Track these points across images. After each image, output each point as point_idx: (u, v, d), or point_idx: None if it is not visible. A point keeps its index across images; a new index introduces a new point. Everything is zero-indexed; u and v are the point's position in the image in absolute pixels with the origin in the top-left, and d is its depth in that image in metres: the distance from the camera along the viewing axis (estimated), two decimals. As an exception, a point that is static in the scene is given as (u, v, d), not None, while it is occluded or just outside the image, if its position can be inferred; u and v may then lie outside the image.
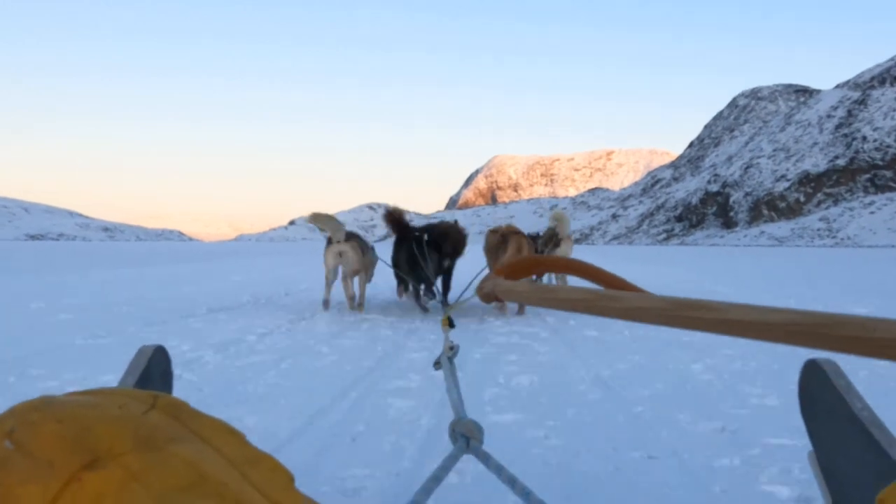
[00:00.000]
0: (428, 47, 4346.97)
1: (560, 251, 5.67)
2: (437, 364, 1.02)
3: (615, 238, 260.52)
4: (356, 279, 4.99)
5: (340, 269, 4.87)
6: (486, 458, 0.72)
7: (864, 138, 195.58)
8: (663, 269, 12.86)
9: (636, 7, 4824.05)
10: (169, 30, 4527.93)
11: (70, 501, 0.36)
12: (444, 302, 4.96)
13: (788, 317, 0.40)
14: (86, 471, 0.37)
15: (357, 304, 4.94)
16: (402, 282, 5.36)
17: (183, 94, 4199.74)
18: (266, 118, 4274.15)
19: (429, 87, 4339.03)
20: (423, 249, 4.75)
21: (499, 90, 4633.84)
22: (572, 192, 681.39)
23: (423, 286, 5.01)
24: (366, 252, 4.96)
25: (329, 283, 4.88)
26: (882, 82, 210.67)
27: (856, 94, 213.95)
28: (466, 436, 0.76)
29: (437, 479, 0.69)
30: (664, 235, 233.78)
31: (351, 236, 4.84)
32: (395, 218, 5.09)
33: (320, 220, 4.70)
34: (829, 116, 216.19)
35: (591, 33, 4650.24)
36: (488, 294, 0.78)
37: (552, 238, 5.66)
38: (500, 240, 4.93)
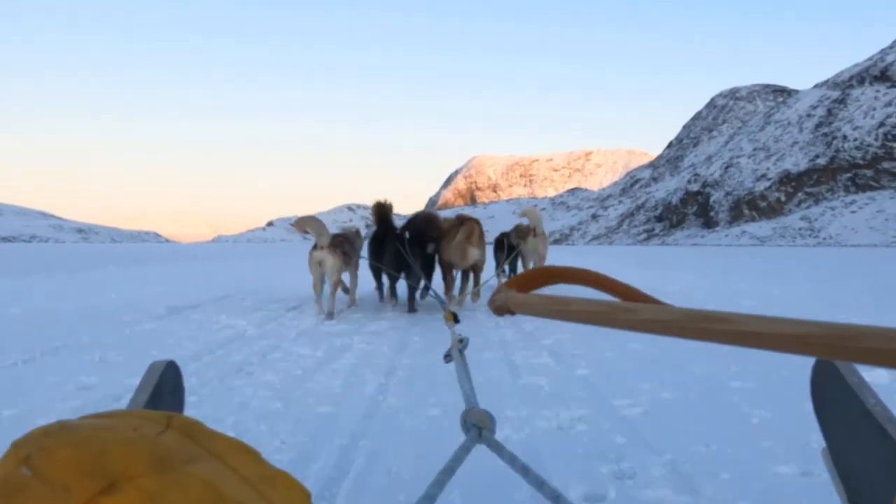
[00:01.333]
0: (407, 47, 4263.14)
1: (531, 244, 5.94)
2: (447, 357, 1.02)
3: (595, 238, 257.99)
4: (346, 278, 5.24)
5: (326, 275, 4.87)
6: (498, 448, 0.72)
7: (845, 137, 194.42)
8: (673, 275, 10.73)
9: (614, 8, 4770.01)
10: (144, 26, 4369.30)
11: None
12: (445, 301, 4.91)
13: (809, 329, 0.39)
14: (103, 495, 0.37)
15: (348, 299, 5.41)
16: (380, 282, 5.67)
17: (160, 92, 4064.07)
18: (245, 118, 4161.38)
19: (408, 88, 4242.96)
20: (408, 247, 4.84)
21: (478, 90, 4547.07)
22: (551, 193, 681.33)
23: (418, 286, 5.03)
24: (353, 254, 5.15)
25: (317, 289, 4.86)
26: (861, 81, 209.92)
27: (835, 94, 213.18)
28: (478, 426, 0.76)
29: (449, 470, 0.68)
30: (644, 235, 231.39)
31: (340, 239, 4.88)
32: (382, 212, 5.31)
33: (305, 224, 4.65)
34: (808, 116, 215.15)
35: (570, 33, 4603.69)
36: (501, 307, 0.77)
37: (528, 232, 5.95)
38: (456, 224, 5.07)
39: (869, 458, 0.77)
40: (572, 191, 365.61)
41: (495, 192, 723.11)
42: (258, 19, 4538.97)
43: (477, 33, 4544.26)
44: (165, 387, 0.96)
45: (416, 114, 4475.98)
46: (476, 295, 5.26)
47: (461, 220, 5.07)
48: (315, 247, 4.66)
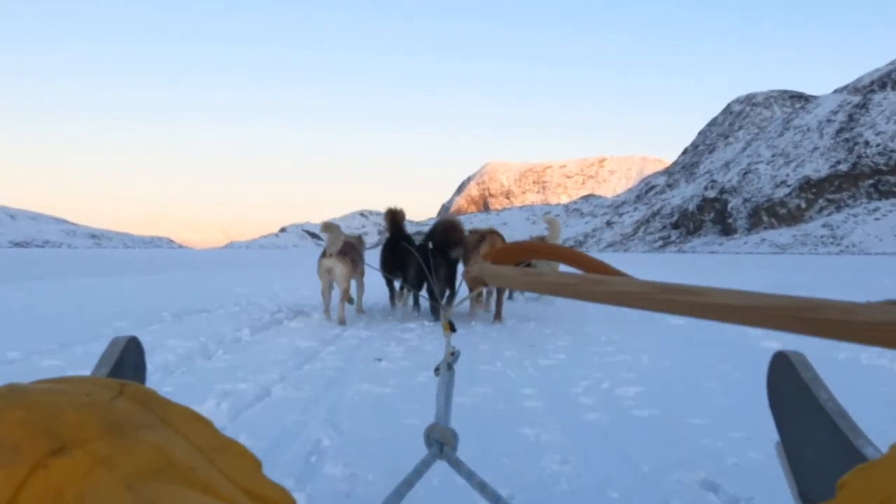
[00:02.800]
0: (420, 54, 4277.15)
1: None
2: (437, 370, 1.01)
3: (610, 245, 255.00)
4: (353, 284, 5.22)
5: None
6: (457, 465, 0.74)
7: (867, 143, 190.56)
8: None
9: (628, 14, 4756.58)
10: (159, 32, 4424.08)
11: (36, 487, 0.36)
12: (442, 304, 5.03)
13: (770, 301, 0.40)
14: (52, 457, 0.37)
15: (355, 306, 5.40)
16: (392, 287, 5.58)
17: (176, 98, 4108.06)
18: (259, 124, 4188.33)
19: (422, 94, 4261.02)
20: (430, 258, 4.87)
21: (491, 97, 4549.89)
22: (564, 200, 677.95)
23: (441, 297, 5.07)
24: (359, 261, 5.21)
25: (326, 295, 4.94)
26: (883, 86, 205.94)
27: (856, 99, 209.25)
28: (441, 441, 0.77)
29: (409, 483, 0.69)
30: (661, 243, 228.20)
31: (346, 247, 4.90)
32: (395, 220, 5.29)
33: (327, 228, 4.79)
34: (829, 121, 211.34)
35: (583, 40, 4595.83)
36: (475, 278, 0.78)
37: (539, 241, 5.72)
38: (478, 238, 5.18)
39: (820, 452, 0.79)
40: (586, 197, 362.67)
41: (508, 198, 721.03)
42: (272, 24, 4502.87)
43: (491, 39, 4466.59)
44: (127, 362, 0.94)
45: (429, 120, 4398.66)
46: (498, 316, 4.94)
47: (482, 235, 5.16)
48: (324, 254, 4.76)
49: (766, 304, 0.40)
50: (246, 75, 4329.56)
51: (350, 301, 5.16)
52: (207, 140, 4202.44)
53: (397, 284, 5.48)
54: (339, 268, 4.67)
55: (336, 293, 4.89)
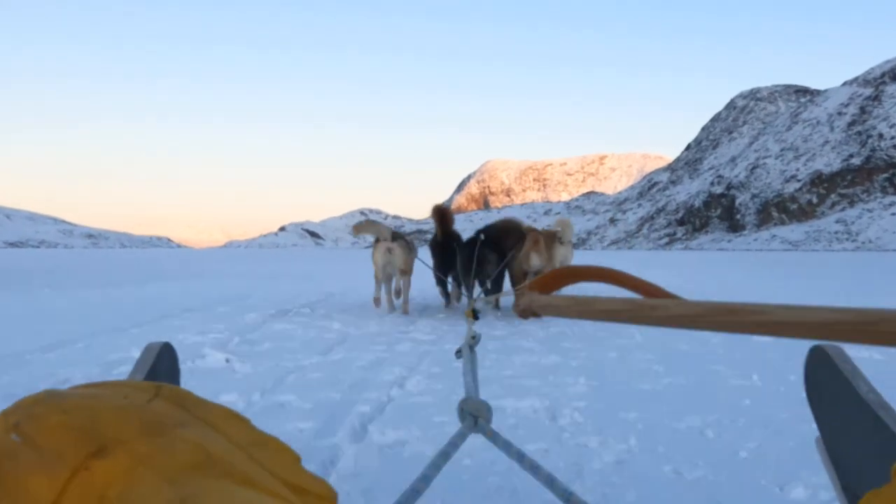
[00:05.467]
0: (420, 52, 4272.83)
1: (559, 254, 6.13)
2: (458, 353, 1.05)
3: (614, 243, 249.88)
4: (402, 280, 5.13)
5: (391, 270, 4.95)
6: (493, 436, 0.74)
7: (881, 136, 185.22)
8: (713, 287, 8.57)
9: (627, 11, 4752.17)
10: (155, 31, 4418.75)
11: (79, 489, 0.36)
12: (475, 297, 5.02)
13: (831, 316, 0.40)
14: (93, 459, 0.38)
15: (402, 305, 5.05)
16: (444, 286, 5.50)
17: (175, 97, 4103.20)
18: (258, 123, 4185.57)
19: (421, 92, 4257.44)
20: (486, 255, 4.91)
21: (491, 95, 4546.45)
22: (565, 197, 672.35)
23: (479, 288, 5.08)
24: (412, 251, 5.07)
25: (379, 282, 4.93)
26: (894, 78, 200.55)
27: (868, 91, 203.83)
28: (474, 414, 0.78)
29: (445, 455, 0.69)
30: (666, 240, 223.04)
31: (397, 236, 4.93)
32: (445, 218, 5.23)
33: (365, 229, 4.84)
34: (839, 114, 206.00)
35: (582, 37, 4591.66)
36: (525, 310, 0.77)
37: (553, 238, 6.08)
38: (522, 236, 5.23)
39: (862, 446, 0.77)
40: (588, 194, 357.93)
41: (508, 196, 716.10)
42: (271, 24, 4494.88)
43: (490, 37, 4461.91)
44: (161, 367, 0.96)
45: (429, 118, 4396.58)
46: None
47: (525, 231, 5.29)
48: (378, 241, 4.75)
49: (829, 319, 0.40)
50: (245, 74, 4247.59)
51: (398, 295, 5.02)
52: (206, 139, 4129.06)
53: (450, 286, 5.43)
54: (399, 250, 4.63)
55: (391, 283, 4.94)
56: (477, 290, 5.04)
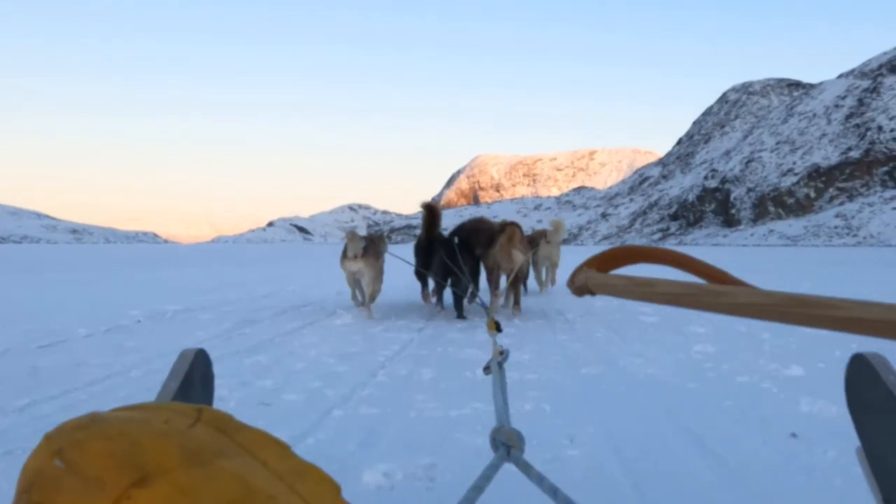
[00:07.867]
0: (409, 46, 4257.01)
1: (544, 251, 6.25)
2: (486, 369, 0.99)
3: (606, 238, 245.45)
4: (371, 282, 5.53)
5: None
6: (526, 468, 0.71)
7: (880, 128, 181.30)
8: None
9: (617, 5, 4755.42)
10: (142, 23, 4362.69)
11: None
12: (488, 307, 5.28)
13: None
14: (135, 488, 0.38)
15: (367, 306, 5.31)
16: (425, 285, 5.55)
17: (159, 91, 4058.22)
18: (246, 117, 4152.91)
19: (411, 87, 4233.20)
20: (458, 254, 4.95)
21: (481, 89, 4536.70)
22: (555, 192, 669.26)
23: (466, 293, 5.18)
24: (380, 257, 5.26)
25: (353, 287, 5.34)
26: (893, 70, 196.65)
27: (865, 83, 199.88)
28: (507, 444, 0.75)
29: (478, 488, 0.66)
30: (659, 235, 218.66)
31: (368, 244, 5.05)
32: (433, 218, 5.29)
33: (349, 238, 5.01)
34: (837, 106, 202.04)
35: (571, 32, 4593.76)
36: (581, 287, 0.74)
37: (541, 236, 6.26)
38: (496, 229, 5.31)
39: None
40: (578, 189, 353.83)
41: (498, 191, 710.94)
42: (258, 18, 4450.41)
43: (479, 32, 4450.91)
44: (196, 375, 0.96)
45: (418, 113, 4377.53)
46: (517, 308, 5.20)
47: (502, 226, 5.24)
48: (345, 255, 4.93)
49: None
50: (233, 69, 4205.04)
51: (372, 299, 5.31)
52: (194, 134, 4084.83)
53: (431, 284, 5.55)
54: (366, 270, 4.91)
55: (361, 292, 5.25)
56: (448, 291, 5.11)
